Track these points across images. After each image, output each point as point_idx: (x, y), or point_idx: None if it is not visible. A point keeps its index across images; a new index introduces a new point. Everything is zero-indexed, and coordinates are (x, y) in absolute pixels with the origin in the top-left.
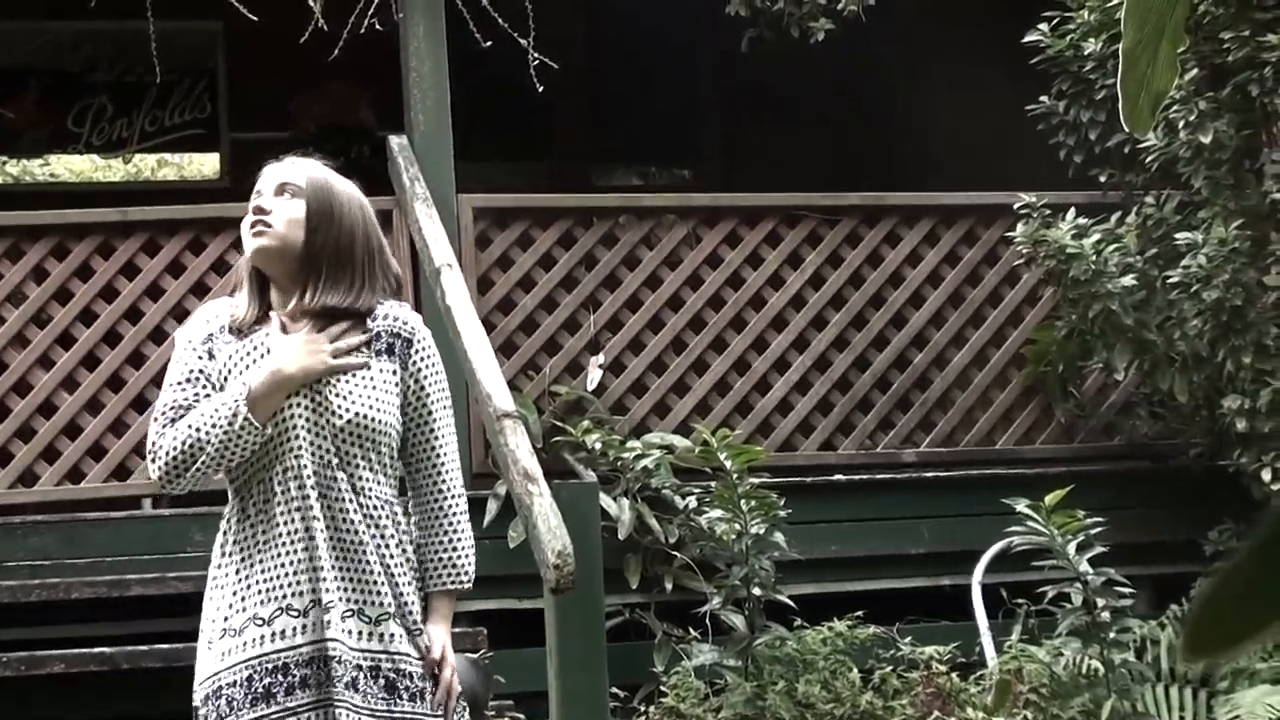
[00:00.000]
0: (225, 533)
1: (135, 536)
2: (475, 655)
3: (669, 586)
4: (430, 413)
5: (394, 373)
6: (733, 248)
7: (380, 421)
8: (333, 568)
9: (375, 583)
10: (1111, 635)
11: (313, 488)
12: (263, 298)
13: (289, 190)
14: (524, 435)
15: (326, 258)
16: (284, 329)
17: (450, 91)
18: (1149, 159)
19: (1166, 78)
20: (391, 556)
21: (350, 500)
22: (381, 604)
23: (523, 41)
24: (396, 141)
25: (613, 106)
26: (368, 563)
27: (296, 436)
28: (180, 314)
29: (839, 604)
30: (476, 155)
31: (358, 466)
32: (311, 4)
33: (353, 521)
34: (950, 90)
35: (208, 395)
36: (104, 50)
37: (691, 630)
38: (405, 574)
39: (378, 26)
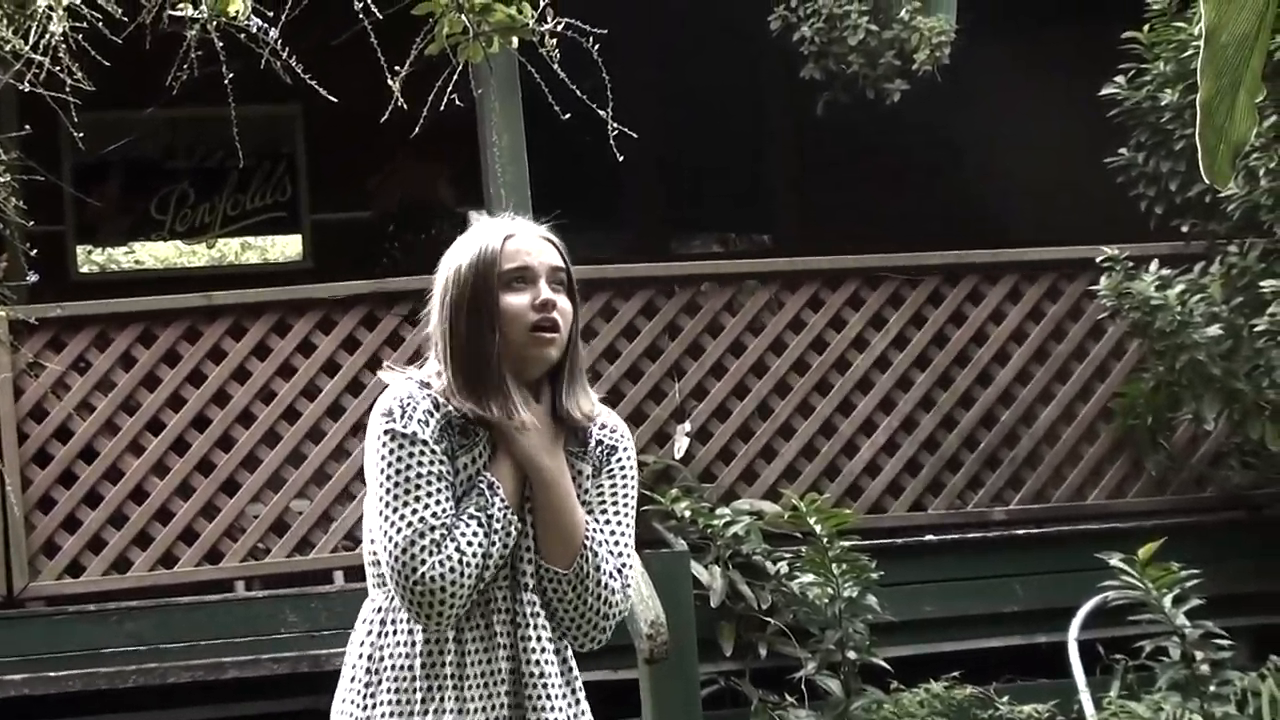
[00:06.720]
0: (407, 648)
1: (229, 619)
2: None
3: (763, 653)
4: (594, 508)
5: (583, 485)
6: (815, 311)
7: None
8: (533, 710)
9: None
10: (1212, 688)
11: (511, 620)
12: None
13: (560, 280)
14: None
15: (569, 361)
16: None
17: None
18: (1231, 208)
19: (1245, 127)
20: (564, 676)
21: (540, 623)
22: None
23: (601, 112)
24: (477, 216)
25: (689, 175)
26: (551, 694)
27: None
28: (266, 396)
29: (935, 665)
30: (555, 228)
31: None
32: (391, 84)
33: (542, 647)
34: (1026, 146)
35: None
36: (183, 137)
37: (787, 696)
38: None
39: (457, 103)
